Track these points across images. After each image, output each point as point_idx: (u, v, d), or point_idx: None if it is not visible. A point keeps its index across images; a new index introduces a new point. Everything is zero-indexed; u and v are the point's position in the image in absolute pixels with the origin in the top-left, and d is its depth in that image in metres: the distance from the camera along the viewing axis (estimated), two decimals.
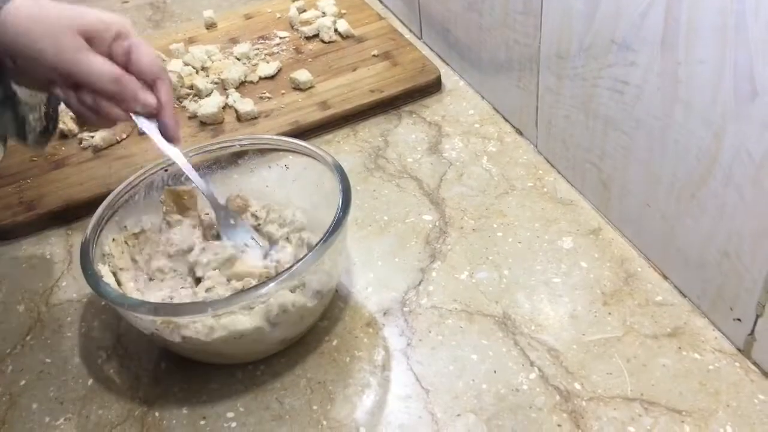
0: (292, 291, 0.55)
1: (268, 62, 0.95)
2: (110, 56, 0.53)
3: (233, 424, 0.56)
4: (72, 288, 0.69)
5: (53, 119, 0.61)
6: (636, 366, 0.56)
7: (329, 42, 0.99)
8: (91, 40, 0.52)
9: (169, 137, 0.57)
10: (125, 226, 0.63)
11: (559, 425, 0.53)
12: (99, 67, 0.52)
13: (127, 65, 0.53)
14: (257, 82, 0.92)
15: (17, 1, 0.50)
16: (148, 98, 0.54)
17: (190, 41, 1.01)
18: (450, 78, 0.92)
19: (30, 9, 0.50)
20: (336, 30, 0.99)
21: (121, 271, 0.61)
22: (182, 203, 0.66)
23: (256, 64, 0.95)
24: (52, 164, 0.82)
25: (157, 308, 0.54)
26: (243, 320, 0.54)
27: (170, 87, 0.56)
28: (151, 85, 0.55)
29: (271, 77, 0.93)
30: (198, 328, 0.54)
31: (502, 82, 0.82)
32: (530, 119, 0.78)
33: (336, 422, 0.55)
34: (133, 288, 0.60)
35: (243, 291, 0.53)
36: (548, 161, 0.77)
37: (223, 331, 0.54)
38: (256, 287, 0.53)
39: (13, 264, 0.73)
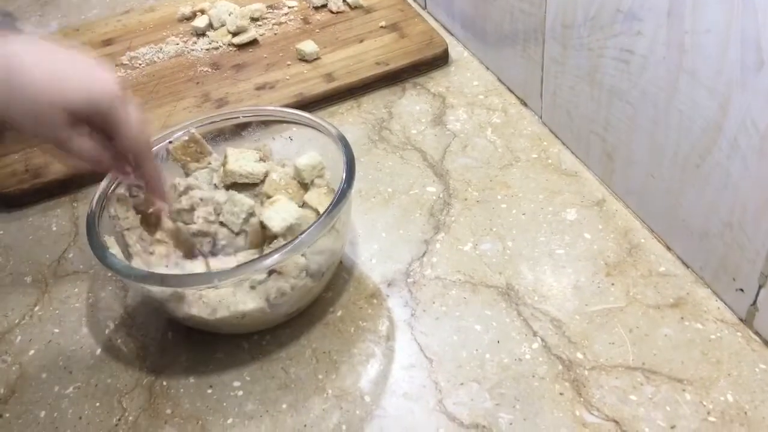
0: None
1: (262, 33, 0.96)
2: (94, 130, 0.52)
3: (239, 393, 0.57)
4: (78, 259, 0.70)
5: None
6: (638, 336, 0.56)
7: (337, 12, 0.98)
8: (74, 117, 0.50)
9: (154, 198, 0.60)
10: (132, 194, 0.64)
11: (561, 394, 0.53)
12: (77, 149, 0.51)
13: (111, 137, 0.53)
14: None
15: None
16: (127, 178, 0.57)
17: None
18: (454, 49, 0.91)
19: (9, 86, 0.47)
20: (344, 0, 0.99)
21: (128, 231, 0.61)
22: (192, 153, 0.66)
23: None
24: None
25: (163, 279, 0.54)
26: (245, 300, 0.55)
27: (151, 159, 0.57)
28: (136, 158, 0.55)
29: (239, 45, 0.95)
30: (201, 306, 0.55)
31: (506, 53, 0.81)
32: (535, 90, 0.78)
33: (341, 391, 0.56)
34: (140, 249, 0.60)
35: (248, 262, 0.54)
36: (553, 132, 0.77)
37: (226, 311, 0.55)
38: (260, 258, 0.53)
39: (20, 235, 0.74)
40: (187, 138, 0.65)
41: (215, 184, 0.64)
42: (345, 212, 0.59)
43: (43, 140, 0.50)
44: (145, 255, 0.60)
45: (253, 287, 0.55)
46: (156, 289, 0.55)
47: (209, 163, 0.66)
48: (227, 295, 0.55)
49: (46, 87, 0.48)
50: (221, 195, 0.62)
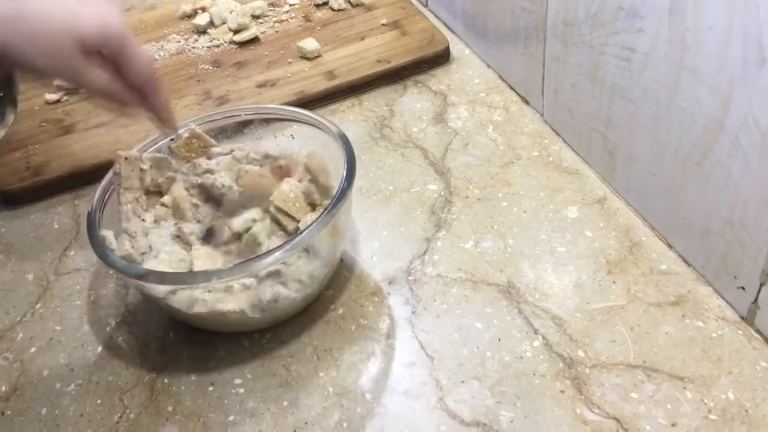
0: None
1: (263, 31, 0.96)
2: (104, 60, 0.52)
3: (241, 390, 0.57)
4: (80, 257, 0.70)
5: (10, 87, 0.58)
6: (639, 334, 0.56)
7: (338, 10, 0.98)
8: (86, 48, 0.50)
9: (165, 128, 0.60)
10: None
11: (562, 391, 0.53)
12: (94, 79, 0.51)
13: (120, 71, 0.53)
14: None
15: (0, 8, 0.47)
16: (134, 110, 0.56)
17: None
18: (456, 46, 0.91)
19: (21, 23, 0.47)
20: None
21: (125, 191, 0.62)
22: (196, 148, 0.66)
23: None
24: (60, 130, 0.83)
25: (162, 277, 0.54)
26: (229, 302, 0.55)
27: (158, 87, 0.57)
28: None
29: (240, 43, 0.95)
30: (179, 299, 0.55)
31: (508, 51, 0.81)
32: (536, 88, 0.77)
33: (342, 388, 0.56)
34: (130, 210, 0.61)
35: (246, 261, 0.54)
36: (554, 130, 0.77)
37: (203, 307, 0.55)
38: (259, 257, 0.53)
39: (21, 233, 0.74)
40: (187, 134, 0.65)
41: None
42: (345, 210, 0.59)
43: (56, 75, 0.51)
44: (134, 218, 0.60)
45: (257, 275, 0.55)
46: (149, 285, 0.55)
47: (232, 150, 0.66)
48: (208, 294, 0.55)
49: (58, 18, 0.48)
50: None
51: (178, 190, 0.62)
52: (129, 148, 0.64)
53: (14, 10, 0.47)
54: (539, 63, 0.75)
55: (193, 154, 0.65)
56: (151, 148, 0.65)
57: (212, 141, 0.66)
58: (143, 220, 0.61)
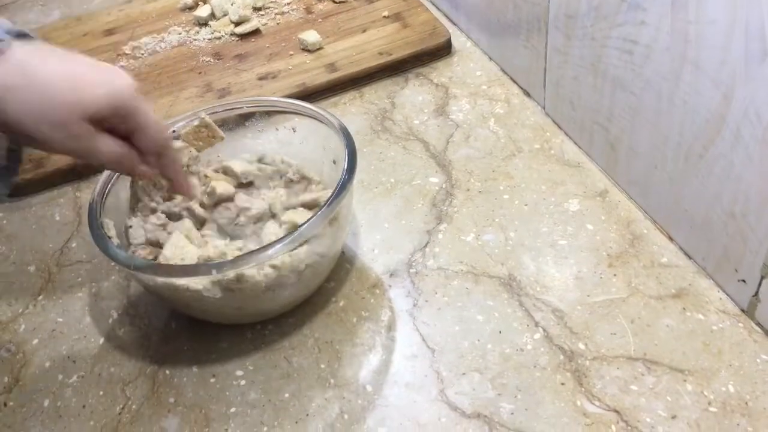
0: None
1: (265, 23, 0.96)
2: (114, 128, 0.50)
3: (242, 382, 0.57)
4: (82, 249, 0.70)
5: (17, 159, 0.53)
6: (640, 326, 0.57)
7: (340, 2, 0.98)
8: (94, 118, 0.48)
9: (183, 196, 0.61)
10: None
11: (562, 384, 0.53)
12: (104, 151, 0.50)
13: (131, 137, 0.52)
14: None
15: (7, 76, 0.44)
16: (146, 173, 0.55)
17: None
18: (458, 39, 0.91)
19: (27, 93, 0.45)
20: None
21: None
22: (204, 137, 0.66)
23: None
24: None
25: (162, 269, 0.54)
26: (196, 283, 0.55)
27: (172, 157, 0.56)
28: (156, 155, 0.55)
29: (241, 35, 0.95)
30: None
31: (509, 43, 0.81)
32: (538, 80, 0.77)
33: (343, 380, 0.56)
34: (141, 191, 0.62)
35: (248, 253, 0.54)
36: (555, 123, 0.76)
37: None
38: (261, 249, 0.53)
39: (23, 224, 0.74)
40: (197, 122, 0.65)
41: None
42: (346, 203, 0.59)
43: (63, 149, 0.48)
44: (145, 198, 0.61)
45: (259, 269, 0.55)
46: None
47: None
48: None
49: (65, 90, 0.46)
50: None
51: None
52: None
53: (22, 77, 0.45)
54: (541, 55, 0.75)
55: (201, 143, 0.65)
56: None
57: (221, 133, 0.66)
58: (155, 201, 0.61)
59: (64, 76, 0.46)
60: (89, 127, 0.48)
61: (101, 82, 0.48)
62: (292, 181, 0.65)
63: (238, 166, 0.65)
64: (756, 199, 0.52)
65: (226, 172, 0.66)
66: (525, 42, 0.77)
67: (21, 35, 0.47)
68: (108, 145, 0.50)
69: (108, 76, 0.49)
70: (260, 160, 0.67)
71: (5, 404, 0.58)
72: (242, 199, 0.64)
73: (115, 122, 0.49)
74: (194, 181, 0.63)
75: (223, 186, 0.63)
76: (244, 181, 0.66)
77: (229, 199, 0.63)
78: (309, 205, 0.62)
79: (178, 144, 0.63)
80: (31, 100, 0.45)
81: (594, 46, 0.64)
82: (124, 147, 0.51)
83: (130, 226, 0.61)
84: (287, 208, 0.62)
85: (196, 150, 0.65)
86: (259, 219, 0.63)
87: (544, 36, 0.73)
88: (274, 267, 0.55)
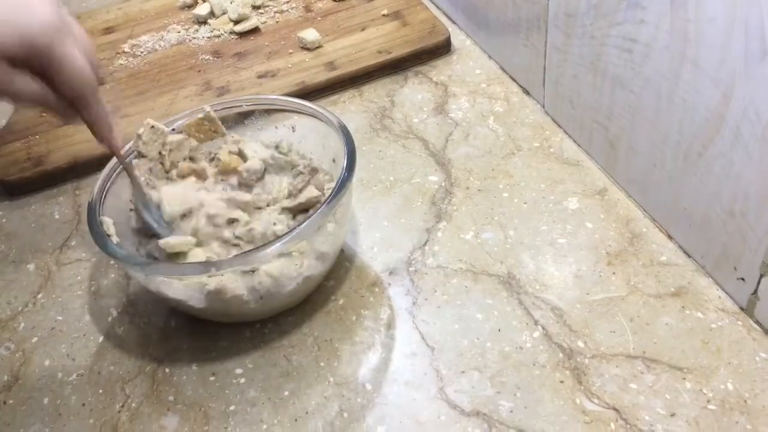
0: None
1: (264, 22, 0.96)
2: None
3: (242, 380, 0.57)
4: (81, 247, 0.70)
5: None
6: (639, 325, 0.57)
7: (339, 0, 0.98)
8: (11, 60, 0.44)
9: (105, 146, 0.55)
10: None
11: (561, 382, 0.54)
12: (23, 90, 0.45)
13: (53, 80, 0.47)
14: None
15: None
16: (69, 120, 0.51)
17: None
18: (457, 37, 0.91)
19: None
20: None
21: (142, 157, 0.62)
22: (206, 131, 0.66)
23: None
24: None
25: (160, 268, 0.55)
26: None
27: (97, 105, 0.51)
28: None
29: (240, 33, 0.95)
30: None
31: (509, 41, 0.81)
32: (537, 79, 0.77)
33: (343, 379, 0.56)
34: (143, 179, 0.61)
35: (244, 253, 0.54)
36: (555, 121, 0.77)
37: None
38: (259, 248, 0.53)
39: (22, 223, 0.74)
40: (201, 115, 0.65)
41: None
42: (345, 202, 0.59)
43: None
44: (147, 188, 0.61)
45: (252, 270, 0.55)
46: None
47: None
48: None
49: None
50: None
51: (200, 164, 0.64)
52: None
53: None
54: (540, 54, 0.75)
55: (202, 136, 0.66)
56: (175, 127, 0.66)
57: (223, 129, 0.66)
58: (153, 187, 0.61)
59: None
60: (3, 65, 0.44)
61: (14, 20, 0.43)
62: (301, 173, 0.64)
63: (253, 148, 0.65)
64: (755, 198, 0.52)
65: (240, 156, 0.66)
66: (524, 40, 0.77)
67: None
68: (27, 84, 0.46)
69: (22, 12, 0.43)
70: (277, 147, 0.67)
71: (5, 402, 0.58)
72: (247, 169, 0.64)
73: (34, 63, 0.45)
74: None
75: (230, 156, 0.64)
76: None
77: (235, 170, 0.64)
78: (309, 204, 0.62)
79: (178, 136, 0.64)
80: None
81: (593, 45, 0.64)
82: (45, 88, 0.47)
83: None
84: (286, 207, 0.63)
85: (196, 141, 0.65)
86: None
87: (544, 34, 0.73)
88: (267, 276, 0.55)
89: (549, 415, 0.52)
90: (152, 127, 0.62)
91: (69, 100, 0.49)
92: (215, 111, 0.67)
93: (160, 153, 0.63)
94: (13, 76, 0.44)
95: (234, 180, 0.63)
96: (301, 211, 0.62)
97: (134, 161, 0.62)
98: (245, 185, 0.63)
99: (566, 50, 0.69)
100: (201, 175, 0.63)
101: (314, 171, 0.64)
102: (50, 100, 0.47)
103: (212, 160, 0.65)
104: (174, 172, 0.63)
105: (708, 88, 0.52)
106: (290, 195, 0.62)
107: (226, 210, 0.60)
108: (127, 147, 0.62)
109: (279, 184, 0.64)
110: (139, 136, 0.62)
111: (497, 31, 0.83)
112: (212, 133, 0.65)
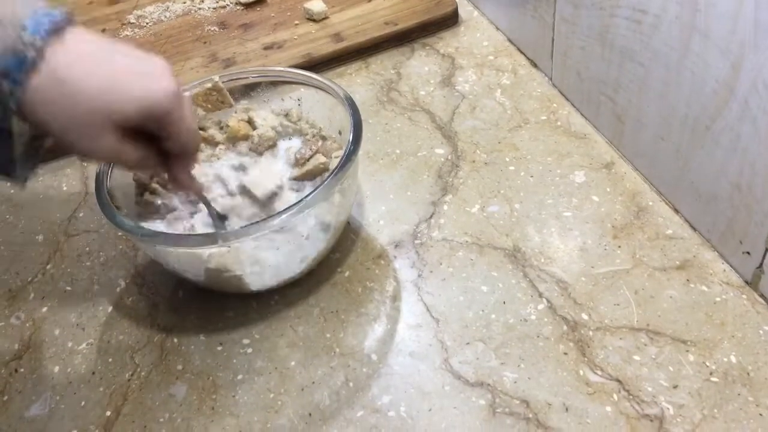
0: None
1: None
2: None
3: (249, 350, 0.58)
4: (89, 218, 0.71)
5: (39, 151, 0.49)
6: (643, 297, 0.57)
7: None
8: (126, 126, 0.45)
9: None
10: None
11: (565, 353, 0.54)
12: (124, 159, 0.47)
13: (161, 139, 0.48)
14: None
15: (39, 87, 0.41)
16: (160, 175, 0.55)
17: None
18: (464, 8, 0.90)
19: (57, 102, 0.42)
20: None
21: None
22: (214, 101, 0.66)
23: None
24: None
25: (170, 239, 0.55)
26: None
27: (189, 164, 0.52)
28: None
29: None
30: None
31: (517, 13, 0.80)
32: (545, 51, 0.77)
33: (348, 349, 0.56)
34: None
35: (254, 223, 0.54)
36: (562, 94, 0.76)
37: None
38: (265, 220, 0.53)
39: (31, 194, 0.74)
40: (210, 85, 0.65)
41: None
42: (351, 174, 0.59)
43: (89, 156, 0.46)
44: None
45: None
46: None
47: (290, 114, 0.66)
48: None
49: (95, 97, 0.42)
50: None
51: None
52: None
53: (54, 85, 0.41)
54: (549, 26, 0.74)
55: (210, 106, 0.65)
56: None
57: (231, 100, 0.66)
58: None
59: (97, 81, 0.43)
60: (116, 136, 0.45)
61: (136, 89, 0.44)
62: (309, 141, 0.64)
63: (263, 116, 0.65)
64: (762, 172, 0.51)
65: (250, 123, 0.66)
66: (533, 12, 0.76)
67: (56, 24, 0.42)
68: (129, 154, 0.47)
69: (145, 82, 0.44)
70: (286, 115, 0.67)
71: (16, 370, 0.59)
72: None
73: (149, 127, 0.46)
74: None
75: (239, 123, 0.64)
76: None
77: (245, 137, 0.64)
78: (317, 170, 0.62)
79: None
80: (59, 108, 0.42)
81: (602, 16, 0.64)
82: (144, 152, 0.48)
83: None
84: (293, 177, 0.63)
85: (203, 111, 0.65)
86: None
87: (552, 5, 0.72)
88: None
89: (552, 386, 0.52)
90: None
91: (173, 156, 0.50)
92: (223, 83, 0.67)
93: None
94: (122, 147, 0.46)
95: (244, 147, 0.63)
96: (307, 178, 0.62)
97: None
98: (255, 152, 0.63)
99: (575, 22, 0.69)
100: (210, 142, 0.63)
101: (323, 139, 0.64)
102: (149, 163, 0.49)
103: (221, 128, 0.65)
104: None
105: (717, 59, 0.52)
106: (297, 163, 0.62)
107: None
108: None
109: (287, 151, 0.64)
110: None
111: (505, 2, 0.82)
112: (220, 103, 0.65)
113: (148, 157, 0.49)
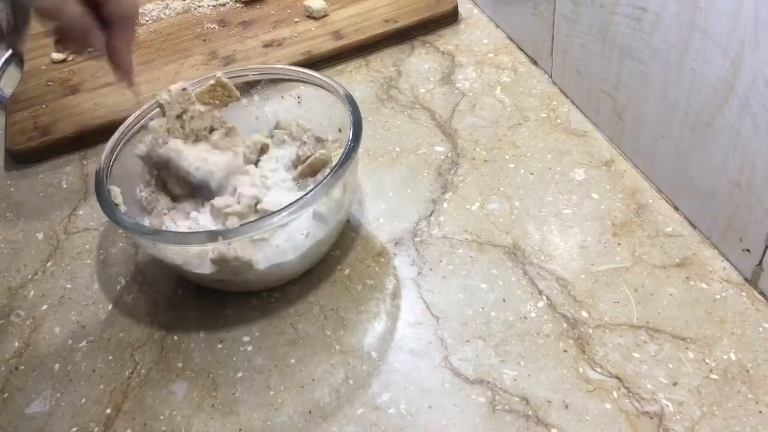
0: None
1: None
2: None
3: (249, 348, 0.58)
4: (89, 216, 0.71)
5: (23, 16, 0.55)
6: (643, 295, 0.57)
7: None
8: None
9: (120, 78, 0.57)
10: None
11: (565, 351, 0.54)
12: (66, 10, 0.49)
13: (100, 6, 0.50)
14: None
15: None
16: (96, 43, 0.52)
17: None
18: (464, 6, 0.90)
19: None
20: None
21: (159, 118, 0.62)
22: (220, 96, 0.66)
23: None
24: (66, 90, 0.83)
25: (171, 236, 0.55)
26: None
27: (131, 32, 0.54)
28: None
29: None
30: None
31: (517, 10, 0.80)
32: (545, 48, 0.77)
33: (348, 347, 0.57)
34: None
35: (254, 221, 0.54)
36: (562, 92, 0.76)
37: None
38: (264, 218, 0.53)
39: (30, 192, 0.74)
40: (213, 82, 0.64)
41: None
42: (351, 172, 0.59)
43: (38, 5, 0.48)
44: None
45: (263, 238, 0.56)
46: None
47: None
48: None
49: None
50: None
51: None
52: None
53: None
54: (549, 23, 0.74)
55: (217, 102, 0.65)
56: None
57: (237, 93, 0.65)
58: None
59: None
60: None
61: None
62: (305, 143, 0.64)
63: (247, 143, 0.66)
64: (762, 169, 0.51)
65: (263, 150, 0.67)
66: (533, 9, 0.76)
67: None
68: (72, 6, 0.48)
69: None
70: (277, 125, 0.67)
71: (16, 368, 0.59)
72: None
73: None
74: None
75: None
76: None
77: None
78: (317, 164, 0.62)
79: (201, 108, 0.63)
80: None
81: (602, 14, 0.64)
82: (86, 13, 0.50)
83: None
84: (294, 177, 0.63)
85: (211, 108, 0.65)
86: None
87: (552, 3, 0.72)
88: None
89: (552, 383, 0.52)
90: (184, 89, 0.62)
91: (110, 24, 0.51)
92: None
93: (179, 116, 0.62)
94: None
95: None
96: (308, 174, 0.62)
97: (154, 115, 0.62)
98: (249, 162, 0.64)
99: (575, 19, 0.69)
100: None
101: (318, 140, 0.64)
102: (87, 23, 0.50)
103: (227, 133, 0.65)
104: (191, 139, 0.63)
105: (717, 57, 0.52)
106: (294, 166, 0.62)
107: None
108: (113, 140, 0.62)
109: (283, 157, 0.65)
110: (169, 91, 0.62)
111: (505, 0, 0.83)
112: (227, 98, 0.65)
113: (89, 16, 0.49)
